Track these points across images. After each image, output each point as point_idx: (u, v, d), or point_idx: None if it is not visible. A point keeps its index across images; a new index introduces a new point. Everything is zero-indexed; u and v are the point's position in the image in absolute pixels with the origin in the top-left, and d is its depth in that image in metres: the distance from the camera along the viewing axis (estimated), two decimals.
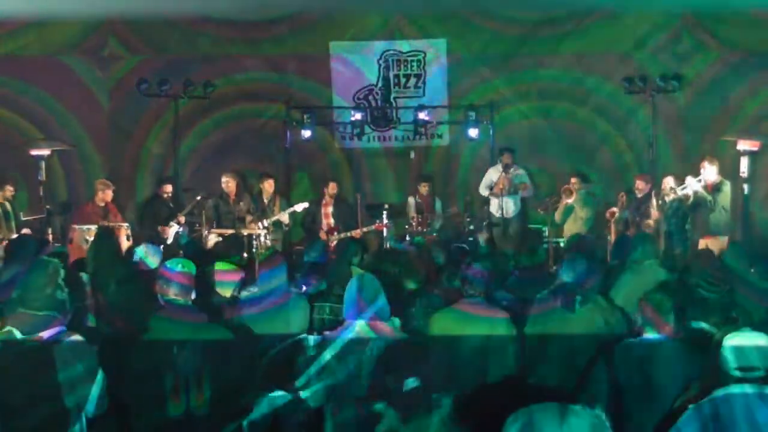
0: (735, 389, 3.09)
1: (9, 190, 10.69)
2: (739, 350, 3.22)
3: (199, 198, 10.71)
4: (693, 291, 4.97)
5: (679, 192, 9.70)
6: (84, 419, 3.94)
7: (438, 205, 11.80)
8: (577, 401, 2.30)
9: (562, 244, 10.89)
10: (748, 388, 3.09)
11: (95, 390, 3.92)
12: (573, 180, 11.02)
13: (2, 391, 3.77)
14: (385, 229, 11.02)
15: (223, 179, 11.12)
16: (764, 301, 5.19)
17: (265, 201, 11.28)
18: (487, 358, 4.76)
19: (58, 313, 3.90)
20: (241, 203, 11.03)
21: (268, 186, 11.34)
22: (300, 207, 11.16)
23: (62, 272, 3.99)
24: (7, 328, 3.88)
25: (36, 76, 12.43)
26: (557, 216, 11.01)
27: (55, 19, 11.91)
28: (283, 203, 11.28)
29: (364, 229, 10.99)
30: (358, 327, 4.06)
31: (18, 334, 3.84)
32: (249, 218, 10.87)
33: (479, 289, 4.96)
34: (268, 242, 10.67)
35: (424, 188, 11.67)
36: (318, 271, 6.36)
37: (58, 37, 12.39)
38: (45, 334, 3.84)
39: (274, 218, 10.96)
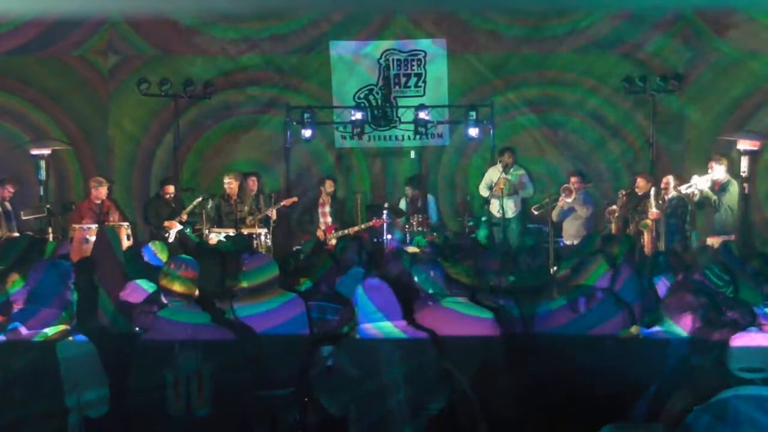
0: (741, 390, 3.07)
1: (9, 190, 10.70)
2: (743, 350, 3.21)
3: (200, 199, 10.74)
4: (704, 286, 4.99)
5: (684, 190, 9.73)
6: (82, 418, 3.98)
7: (432, 202, 11.78)
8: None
9: (561, 244, 10.90)
10: (754, 390, 3.08)
11: (99, 390, 3.97)
12: (573, 179, 11.02)
13: (4, 385, 3.82)
14: (385, 226, 11.03)
15: (226, 180, 11.14)
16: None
17: (251, 200, 11.33)
18: (474, 358, 4.75)
19: (65, 312, 3.95)
20: (243, 204, 11.06)
21: (252, 184, 11.35)
22: (289, 202, 11.20)
23: (73, 275, 4.08)
24: (14, 324, 3.94)
25: (36, 76, 12.44)
26: (554, 215, 11.00)
27: (55, 18, 11.92)
28: (267, 200, 11.27)
29: (362, 226, 11.00)
30: (378, 328, 4.05)
31: (23, 330, 3.90)
32: (249, 219, 10.89)
33: (462, 291, 4.93)
34: (269, 242, 10.70)
35: (408, 191, 11.63)
36: (304, 269, 6.32)
37: (58, 36, 12.38)
38: (49, 331, 3.89)
39: (261, 215, 10.96)
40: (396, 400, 3.91)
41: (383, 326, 4.06)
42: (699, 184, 9.69)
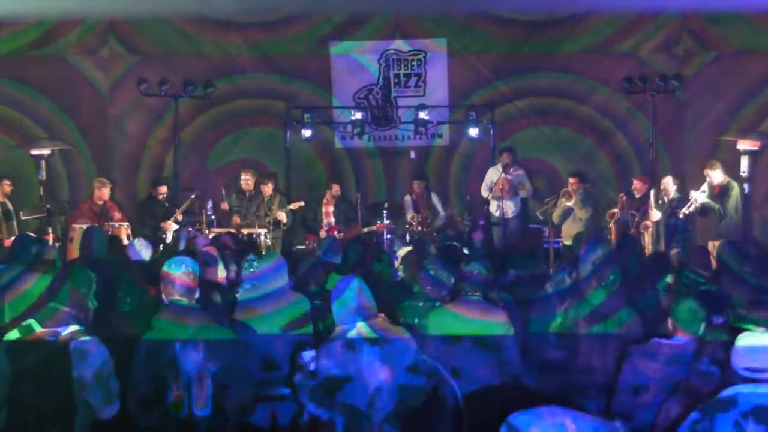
0: (744, 389, 3.06)
1: (6, 184, 10.69)
2: (748, 350, 3.20)
3: (193, 197, 10.78)
4: (686, 284, 5.02)
5: (686, 210, 9.72)
6: (91, 419, 3.99)
7: (435, 201, 11.79)
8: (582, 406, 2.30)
9: (561, 245, 10.89)
10: (757, 388, 3.07)
11: (109, 392, 3.98)
12: (572, 180, 11.01)
13: (15, 383, 3.83)
14: (385, 230, 11.04)
15: (243, 176, 11.25)
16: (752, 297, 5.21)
17: (264, 200, 11.38)
18: (486, 358, 4.76)
19: (81, 313, 3.99)
20: (254, 201, 11.11)
21: (267, 189, 11.39)
22: (296, 206, 11.24)
23: (94, 286, 4.21)
24: (28, 321, 3.97)
25: (36, 76, 12.42)
26: (555, 217, 11.00)
27: (56, 18, 11.91)
28: (282, 202, 11.32)
29: (365, 230, 11.04)
30: (359, 329, 4.05)
31: (36, 327, 3.92)
32: (258, 221, 10.94)
33: (476, 289, 4.97)
34: (269, 242, 10.72)
35: (417, 187, 11.70)
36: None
37: (59, 36, 12.37)
38: (61, 329, 3.91)
39: (272, 217, 11.00)
40: (379, 399, 3.92)
41: (360, 326, 4.05)
42: (699, 199, 9.71)
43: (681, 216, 9.85)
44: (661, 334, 4.25)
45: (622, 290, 5.18)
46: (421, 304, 5.27)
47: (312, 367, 4.13)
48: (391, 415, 3.97)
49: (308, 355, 4.20)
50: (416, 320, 5.18)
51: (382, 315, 4.25)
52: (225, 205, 11.17)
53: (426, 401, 4.09)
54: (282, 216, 11.06)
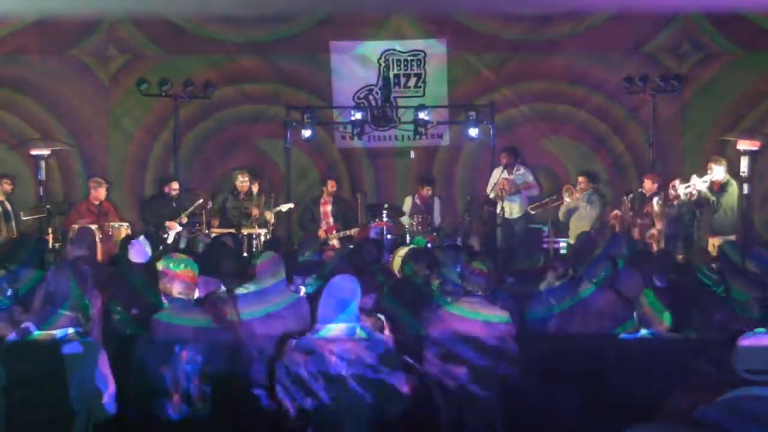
0: (745, 391, 3.06)
1: (6, 182, 10.68)
2: (749, 351, 3.19)
3: (201, 201, 10.73)
4: (694, 282, 5.04)
5: (683, 191, 9.72)
6: (90, 420, 3.98)
7: (437, 206, 11.77)
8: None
9: (563, 244, 10.88)
10: (760, 391, 3.06)
11: (106, 394, 3.97)
12: (581, 179, 10.99)
13: (12, 387, 3.82)
14: (385, 228, 11.03)
15: (240, 177, 11.18)
16: (758, 293, 5.22)
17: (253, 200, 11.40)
18: (488, 355, 4.77)
19: (79, 315, 3.99)
20: (250, 201, 11.12)
21: (254, 188, 11.39)
22: (285, 207, 11.23)
23: (90, 279, 4.13)
24: (25, 324, 3.96)
25: (36, 76, 12.42)
26: (561, 215, 10.99)
27: (55, 18, 11.90)
28: (268, 202, 11.28)
29: (349, 232, 11.04)
30: (336, 328, 4.02)
31: (34, 331, 3.91)
32: (256, 211, 10.89)
33: (479, 287, 4.99)
34: None
35: (425, 191, 11.62)
36: (314, 268, 6.36)
37: (58, 36, 12.37)
38: (59, 333, 3.90)
39: (262, 218, 11.00)
40: (350, 400, 3.90)
41: (339, 327, 4.00)
42: (697, 185, 9.71)
43: (674, 193, 9.82)
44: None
45: (617, 286, 5.22)
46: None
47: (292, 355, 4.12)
48: (362, 415, 3.92)
49: (293, 342, 4.19)
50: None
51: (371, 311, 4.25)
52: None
53: (405, 405, 4.04)
54: (270, 216, 11.04)
